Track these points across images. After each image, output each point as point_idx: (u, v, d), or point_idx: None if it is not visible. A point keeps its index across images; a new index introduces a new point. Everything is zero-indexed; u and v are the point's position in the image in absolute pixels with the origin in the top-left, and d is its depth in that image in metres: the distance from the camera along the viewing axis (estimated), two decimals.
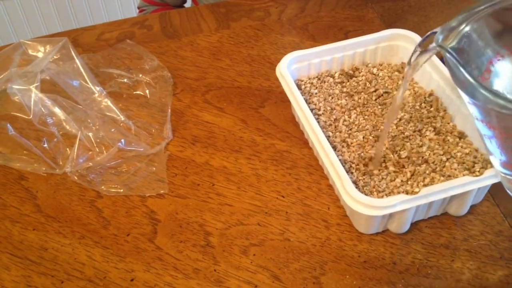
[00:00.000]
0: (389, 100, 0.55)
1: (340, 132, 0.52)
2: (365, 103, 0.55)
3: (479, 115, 0.35)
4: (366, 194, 0.46)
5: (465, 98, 0.35)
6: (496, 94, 0.32)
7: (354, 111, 0.54)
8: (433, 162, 0.48)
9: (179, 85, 0.64)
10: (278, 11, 0.75)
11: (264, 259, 0.47)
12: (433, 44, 0.37)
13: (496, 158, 0.37)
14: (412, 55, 0.40)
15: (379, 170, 0.48)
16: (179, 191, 0.53)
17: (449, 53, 0.35)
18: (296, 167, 0.54)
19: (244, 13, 0.75)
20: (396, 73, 0.58)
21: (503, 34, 0.38)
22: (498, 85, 0.38)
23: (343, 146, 0.51)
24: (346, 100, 0.56)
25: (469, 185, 0.43)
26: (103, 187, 0.52)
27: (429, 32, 0.38)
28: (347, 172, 0.48)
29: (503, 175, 0.38)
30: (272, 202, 0.51)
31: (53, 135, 0.56)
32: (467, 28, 0.37)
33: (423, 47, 0.39)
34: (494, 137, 0.36)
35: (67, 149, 0.55)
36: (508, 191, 0.39)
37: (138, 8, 0.95)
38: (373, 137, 0.51)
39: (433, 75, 0.54)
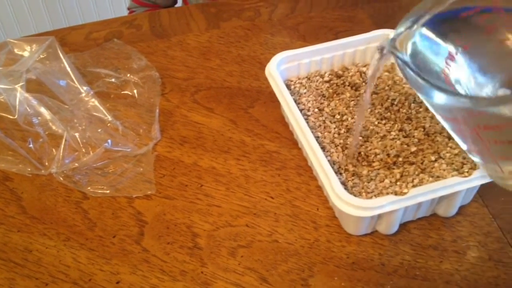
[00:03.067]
0: (378, 100, 0.55)
1: (329, 132, 0.52)
2: (355, 103, 0.55)
3: (432, 108, 0.37)
4: (355, 195, 0.46)
5: (419, 95, 0.37)
6: (440, 87, 0.33)
7: (343, 111, 0.54)
8: (422, 163, 0.48)
9: (168, 85, 0.64)
10: (269, 11, 0.75)
11: (252, 261, 0.46)
12: (386, 49, 0.39)
13: (464, 147, 0.38)
14: (372, 59, 0.42)
15: (368, 171, 0.48)
16: (167, 192, 0.52)
17: (396, 56, 0.37)
18: (285, 168, 0.54)
19: (234, 13, 0.75)
20: (386, 73, 0.57)
21: (453, 31, 0.39)
22: (459, 79, 0.39)
23: (331, 147, 0.51)
24: (335, 100, 0.55)
25: (457, 186, 0.43)
26: (89, 188, 0.52)
27: (386, 38, 0.40)
28: (336, 173, 0.47)
29: (503, 175, 0.38)
30: (261, 203, 0.51)
31: (38, 136, 0.55)
32: (417, 31, 0.39)
33: (380, 51, 0.40)
34: (451, 129, 0.38)
35: (53, 149, 0.54)
36: (492, 179, 0.40)
37: (128, 9, 0.94)
38: (362, 137, 0.51)
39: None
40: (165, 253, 0.47)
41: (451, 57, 0.39)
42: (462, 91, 0.38)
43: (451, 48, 0.39)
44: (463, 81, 0.40)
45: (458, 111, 0.35)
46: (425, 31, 0.40)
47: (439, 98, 0.34)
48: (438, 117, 0.38)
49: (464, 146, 0.39)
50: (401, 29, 0.39)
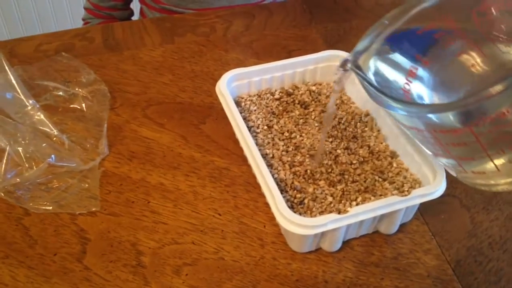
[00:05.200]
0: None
1: (277, 150, 0.53)
2: (304, 121, 0.56)
3: (396, 120, 0.40)
4: (300, 213, 0.46)
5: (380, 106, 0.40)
6: (394, 99, 0.37)
7: (292, 129, 0.55)
8: (365, 181, 0.49)
9: (119, 99, 0.63)
10: (224, 28, 0.75)
11: (196, 279, 0.46)
12: (348, 66, 0.42)
13: (452, 159, 0.40)
14: (335, 75, 0.45)
15: (313, 188, 0.48)
16: (112, 208, 0.51)
17: (356, 72, 0.40)
18: (234, 184, 0.54)
19: (190, 28, 0.75)
20: None
21: (412, 48, 0.42)
22: (421, 94, 0.42)
23: (279, 164, 0.51)
24: (284, 118, 0.56)
25: (397, 204, 0.44)
26: (31, 204, 0.50)
27: (347, 55, 0.42)
28: (282, 190, 0.48)
29: (470, 175, 0.41)
30: (208, 220, 0.50)
31: None
32: (377, 49, 0.41)
33: (343, 68, 0.43)
34: (415, 137, 0.41)
35: None
36: (461, 180, 0.43)
37: (83, 20, 0.93)
38: (310, 155, 0.52)
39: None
40: (107, 272, 0.46)
41: (411, 73, 0.41)
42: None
43: (411, 64, 0.42)
44: (426, 96, 0.42)
45: (415, 119, 0.38)
46: (384, 48, 0.42)
47: (395, 108, 0.37)
48: (402, 127, 0.41)
49: (428, 151, 0.42)
50: (360, 47, 0.42)
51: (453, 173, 0.43)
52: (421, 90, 0.42)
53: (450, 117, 0.35)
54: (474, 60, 0.40)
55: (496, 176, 0.39)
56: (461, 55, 0.41)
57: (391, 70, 0.43)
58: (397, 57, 0.43)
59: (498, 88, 0.31)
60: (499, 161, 0.38)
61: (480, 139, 0.36)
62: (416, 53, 0.42)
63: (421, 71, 0.41)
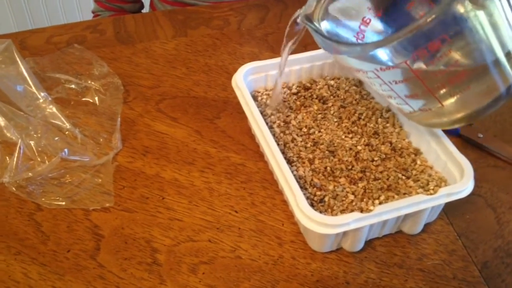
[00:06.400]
0: (345, 114, 0.54)
1: (296, 145, 0.51)
2: (323, 116, 0.54)
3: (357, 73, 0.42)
4: (320, 211, 0.45)
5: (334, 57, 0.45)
6: (340, 42, 0.40)
7: (311, 124, 0.53)
8: (387, 179, 0.47)
9: (132, 93, 0.61)
10: (238, 21, 0.74)
11: (213, 278, 0.44)
12: (299, 21, 0.45)
13: (400, 99, 0.43)
14: (286, 29, 0.48)
15: (334, 186, 0.47)
16: (126, 204, 0.50)
17: (304, 23, 0.43)
18: (250, 181, 0.52)
19: (203, 21, 0.73)
20: (354, 87, 0.57)
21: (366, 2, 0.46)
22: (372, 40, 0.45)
23: (298, 161, 0.50)
24: (302, 113, 0.54)
25: (423, 204, 0.42)
26: (43, 199, 0.49)
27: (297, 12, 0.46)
28: (301, 187, 0.46)
29: (418, 113, 0.44)
30: (225, 218, 0.49)
31: None
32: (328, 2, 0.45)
33: (295, 23, 0.46)
34: (376, 84, 0.43)
35: (6, 158, 0.51)
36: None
37: (93, 12, 0.91)
38: (329, 151, 0.50)
39: None
40: (121, 269, 0.45)
41: (364, 22, 0.45)
42: None
43: (364, 15, 0.45)
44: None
45: (363, 62, 0.40)
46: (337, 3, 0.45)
47: (341, 51, 0.39)
48: (356, 74, 0.44)
49: (380, 93, 0.44)
50: (311, 2, 0.44)
51: (406, 116, 0.46)
52: (373, 39, 0.45)
53: (389, 54, 0.37)
54: (423, 11, 0.43)
55: (445, 113, 0.42)
56: (411, 8, 0.44)
57: (344, 22, 0.47)
58: (350, 10, 0.46)
59: (426, 19, 0.34)
60: (441, 96, 0.40)
61: (418, 74, 0.38)
62: (368, 6, 0.45)
63: (374, 22, 0.45)
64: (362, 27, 0.45)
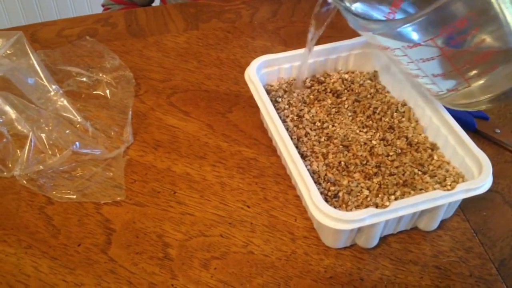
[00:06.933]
0: (360, 108, 0.53)
1: (310, 140, 0.50)
2: (337, 110, 0.53)
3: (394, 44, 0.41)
4: (334, 207, 0.44)
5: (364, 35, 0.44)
6: (369, 20, 0.40)
7: (324, 118, 0.52)
8: (403, 174, 0.46)
9: (143, 86, 0.61)
10: (250, 14, 0.73)
11: (225, 274, 0.44)
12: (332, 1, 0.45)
13: (427, 78, 0.43)
14: (315, 9, 0.48)
15: (348, 181, 0.46)
16: (138, 198, 0.49)
17: (339, 4, 0.43)
18: (263, 175, 0.51)
19: (214, 14, 0.73)
20: (368, 81, 0.56)
21: None
22: None
23: (311, 155, 0.49)
24: (316, 107, 0.54)
25: (440, 200, 0.41)
26: (54, 192, 0.49)
27: None
28: (315, 182, 0.45)
29: (447, 94, 0.44)
30: (237, 212, 0.48)
31: (2, 135, 0.51)
32: None
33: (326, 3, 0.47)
34: (391, 57, 0.43)
35: (17, 150, 0.51)
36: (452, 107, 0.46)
37: (103, 6, 0.91)
38: (343, 146, 0.49)
39: (405, 84, 0.52)
40: (133, 264, 0.44)
41: (395, 4, 0.44)
42: None
43: None
44: None
45: (391, 40, 0.40)
46: None
47: (372, 28, 0.40)
48: (383, 52, 0.44)
49: (409, 73, 0.44)
50: None
51: (435, 97, 0.46)
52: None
53: (416, 31, 0.38)
54: None
55: (473, 94, 0.41)
56: None
57: (375, 5, 0.46)
58: None
59: None
60: (468, 76, 0.40)
61: (445, 52, 0.38)
62: None
63: (405, 4, 0.44)
64: (393, 8, 0.45)
